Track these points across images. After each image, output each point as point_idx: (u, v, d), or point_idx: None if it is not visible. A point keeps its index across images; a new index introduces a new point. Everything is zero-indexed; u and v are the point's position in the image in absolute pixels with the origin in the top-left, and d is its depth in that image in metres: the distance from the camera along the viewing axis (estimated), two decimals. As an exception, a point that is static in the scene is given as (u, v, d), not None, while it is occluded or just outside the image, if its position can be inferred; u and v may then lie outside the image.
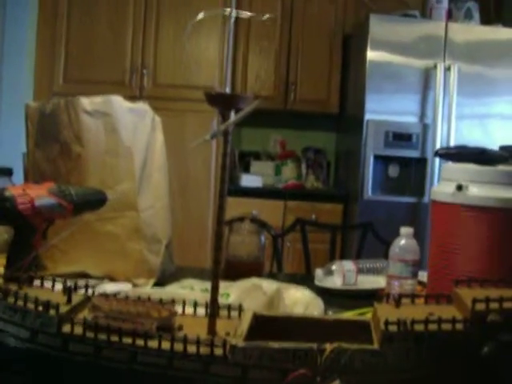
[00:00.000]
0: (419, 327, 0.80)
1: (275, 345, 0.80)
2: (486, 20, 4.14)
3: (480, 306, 0.81)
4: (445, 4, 3.97)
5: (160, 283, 1.65)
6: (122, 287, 1.53)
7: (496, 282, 0.94)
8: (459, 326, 0.81)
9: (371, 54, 3.80)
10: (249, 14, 0.88)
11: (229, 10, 0.84)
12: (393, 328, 0.80)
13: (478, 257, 1.40)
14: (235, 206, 3.63)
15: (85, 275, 1.61)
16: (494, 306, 0.82)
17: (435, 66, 3.80)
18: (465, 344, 0.80)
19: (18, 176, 2.04)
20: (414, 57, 3.82)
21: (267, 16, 0.88)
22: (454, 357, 0.80)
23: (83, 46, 4.09)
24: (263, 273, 1.86)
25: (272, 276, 1.89)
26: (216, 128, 0.79)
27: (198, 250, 3.90)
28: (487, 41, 3.86)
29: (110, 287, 1.50)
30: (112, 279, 1.62)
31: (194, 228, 3.99)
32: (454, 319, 0.80)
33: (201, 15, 0.88)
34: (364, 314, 1.38)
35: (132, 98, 1.75)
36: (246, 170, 4.54)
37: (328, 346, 0.78)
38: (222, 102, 0.80)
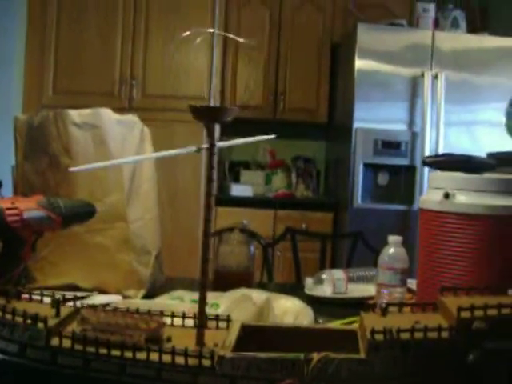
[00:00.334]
0: (405, 336, 0.81)
1: (262, 355, 0.80)
2: (473, 29, 4.18)
3: (465, 314, 0.82)
4: (431, 13, 4.01)
5: (150, 294, 1.65)
6: (112, 299, 1.53)
7: (481, 289, 0.95)
8: (445, 334, 0.81)
9: (359, 63, 3.82)
10: (234, 37, 0.89)
11: (214, 30, 0.84)
12: (379, 337, 0.81)
13: (465, 264, 1.41)
14: (225, 216, 3.65)
15: (75, 287, 1.60)
16: (479, 313, 0.82)
17: (423, 75, 3.83)
18: (451, 352, 0.81)
19: (8, 189, 2.04)
20: (402, 65, 3.85)
21: (251, 41, 0.89)
22: (440, 364, 0.81)
23: (72, 57, 4.09)
24: (253, 283, 1.86)
25: (262, 286, 1.90)
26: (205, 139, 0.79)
27: (187, 260, 3.89)
28: (474, 49, 3.90)
29: (99, 299, 1.50)
30: (102, 291, 1.62)
31: (183, 238, 3.98)
32: (440, 327, 0.81)
33: (187, 34, 0.89)
34: (354, 323, 1.38)
35: (121, 109, 1.76)
36: (236, 179, 4.55)
37: (315, 356, 0.79)
38: (207, 115, 0.81)
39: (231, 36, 0.83)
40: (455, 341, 0.81)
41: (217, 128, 0.81)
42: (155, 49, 4.09)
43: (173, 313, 0.97)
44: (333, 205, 4.18)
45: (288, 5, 4.34)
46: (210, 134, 0.80)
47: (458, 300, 0.88)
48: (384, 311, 0.92)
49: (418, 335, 0.81)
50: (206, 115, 0.81)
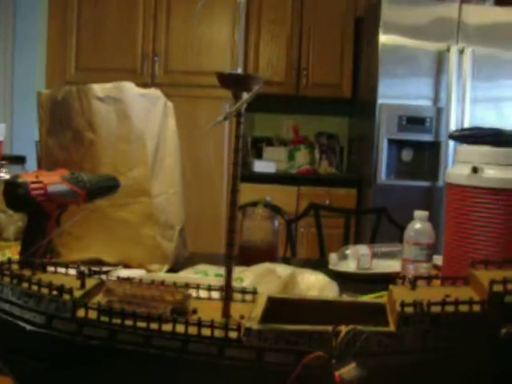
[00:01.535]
0: (436, 309, 0.79)
1: (290, 327, 0.79)
2: (501, 1, 4.08)
3: (497, 287, 0.80)
4: (458, -15, 3.92)
5: (174, 269, 1.65)
6: (136, 273, 1.53)
7: (513, 262, 0.93)
8: (476, 308, 0.80)
9: (383, 38, 3.77)
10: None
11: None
12: (409, 310, 0.79)
13: (493, 238, 1.39)
14: (248, 193, 3.62)
15: (99, 262, 1.61)
16: (511, 286, 0.80)
17: (448, 49, 3.76)
18: (482, 325, 0.79)
19: (32, 164, 2.04)
20: (427, 40, 3.78)
21: None
22: (471, 338, 0.79)
23: (94, 34, 4.08)
24: (277, 258, 1.86)
25: (286, 261, 1.89)
26: (228, 110, 0.78)
27: (211, 235, 3.91)
28: (501, 22, 3.81)
29: (124, 273, 1.50)
30: (126, 266, 1.63)
31: (207, 214, 3.99)
32: (472, 300, 0.79)
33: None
34: (380, 298, 1.37)
35: (144, 85, 1.74)
36: (259, 156, 4.53)
37: (343, 329, 0.78)
38: (235, 83, 0.79)
39: None
40: (487, 314, 0.79)
41: (244, 96, 0.79)
42: (177, 25, 4.06)
43: (198, 285, 0.97)
44: (356, 181, 4.15)
45: (311, -21, 4.28)
46: (238, 102, 0.78)
47: (490, 273, 0.86)
48: (413, 284, 0.90)
49: (449, 308, 0.79)
50: (233, 83, 0.79)
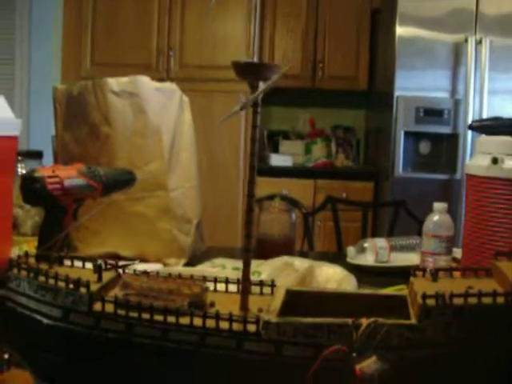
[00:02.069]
0: (458, 301, 0.78)
1: (309, 320, 0.78)
2: (519, -10, 4.03)
3: (522, 279, 0.79)
4: (476, -25, 3.88)
5: (191, 263, 1.64)
6: (153, 267, 1.53)
7: (536, 254, 0.91)
8: (500, 300, 0.78)
9: (400, 30, 3.74)
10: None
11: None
12: (431, 302, 0.78)
13: (514, 230, 1.37)
14: (265, 186, 3.62)
15: (116, 256, 1.61)
16: (536, 278, 0.79)
17: (466, 40, 3.72)
18: (506, 318, 0.77)
19: (48, 159, 2.05)
20: (444, 31, 3.74)
21: None
22: (494, 331, 0.78)
23: (109, 29, 4.09)
24: (294, 251, 1.84)
25: (303, 254, 1.88)
26: (244, 100, 0.76)
27: (228, 229, 3.90)
28: (520, 12, 3.76)
29: (141, 267, 1.50)
30: (143, 260, 1.62)
31: (223, 207, 3.99)
32: (495, 292, 0.78)
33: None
34: (399, 291, 1.35)
35: (159, 79, 1.73)
36: (275, 149, 4.52)
37: (363, 321, 0.76)
38: (251, 72, 0.78)
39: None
40: (511, 306, 0.77)
41: (261, 86, 0.78)
42: (192, 19, 4.05)
43: (216, 278, 0.96)
44: (373, 174, 4.13)
45: (326, -29, 4.25)
46: (254, 92, 0.77)
47: (513, 264, 0.85)
48: (435, 276, 0.88)
49: (472, 300, 0.77)
50: (249, 72, 0.78)
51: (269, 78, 0.77)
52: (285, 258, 1.45)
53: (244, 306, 0.85)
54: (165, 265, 1.61)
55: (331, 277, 1.37)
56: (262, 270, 1.37)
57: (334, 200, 2.62)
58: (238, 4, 3.94)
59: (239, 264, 1.43)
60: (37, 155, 1.95)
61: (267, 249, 1.70)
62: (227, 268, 1.45)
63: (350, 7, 4.27)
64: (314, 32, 4.29)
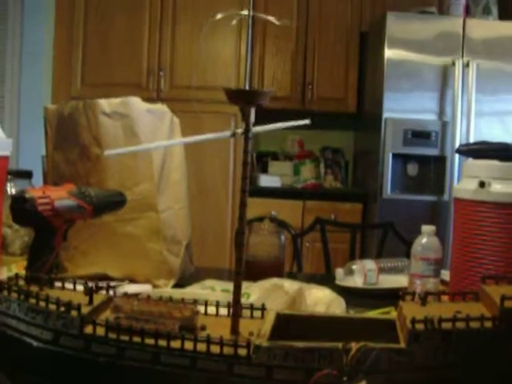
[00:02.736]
0: (447, 325, 0.78)
1: (300, 344, 0.79)
2: (505, 15, 4.09)
3: (509, 303, 0.80)
4: (463, 0, 3.93)
5: (180, 284, 1.64)
6: (143, 288, 1.53)
7: (523, 278, 0.93)
8: (488, 324, 0.79)
9: (389, 52, 3.78)
10: (266, 16, 0.86)
11: (246, 11, 0.82)
12: (420, 326, 0.78)
13: (502, 254, 1.38)
14: (254, 207, 3.61)
15: (105, 277, 1.60)
16: (523, 303, 0.80)
17: (453, 63, 3.77)
18: (494, 342, 0.78)
19: (38, 179, 2.05)
20: (432, 54, 3.79)
21: (283, 21, 0.86)
22: (482, 355, 0.78)
23: (100, 49, 4.10)
24: (283, 273, 1.85)
25: (292, 276, 1.88)
26: (234, 124, 0.77)
27: (216, 250, 3.90)
28: (505, 36, 3.82)
29: (130, 288, 1.50)
30: (132, 280, 1.62)
31: (212, 229, 3.98)
32: (483, 317, 0.79)
33: (218, 16, 0.87)
34: (387, 314, 1.36)
35: (149, 100, 1.74)
36: (264, 170, 4.53)
37: (354, 345, 0.77)
38: (243, 98, 0.79)
39: (267, 17, 0.80)
40: (499, 331, 0.78)
41: (252, 112, 0.79)
42: (182, 40, 4.08)
43: (206, 301, 0.96)
44: (362, 196, 4.14)
45: (316, -7, 4.30)
46: (246, 118, 0.78)
47: (501, 289, 0.86)
48: (423, 300, 0.89)
49: (460, 325, 0.78)
50: (241, 98, 0.79)
51: (260, 104, 0.78)
52: (274, 280, 1.46)
53: (235, 329, 0.86)
54: (154, 286, 1.61)
55: (320, 299, 1.38)
56: (252, 291, 1.37)
57: (322, 221, 2.63)
58: (228, 25, 3.97)
59: (228, 286, 1.44)
60: (26, 175, 1.95)
61: (257, 271, 1.70)
62: (216, 290, 1.45)
63: (339, 30, 4.31)
64: (303, 54, 4.32)
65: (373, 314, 1.40)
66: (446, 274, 1.68)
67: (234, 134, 0.77)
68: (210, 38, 4.02)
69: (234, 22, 0.75)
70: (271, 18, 0.80)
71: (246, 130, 0.79)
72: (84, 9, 4.10)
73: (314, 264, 3.67)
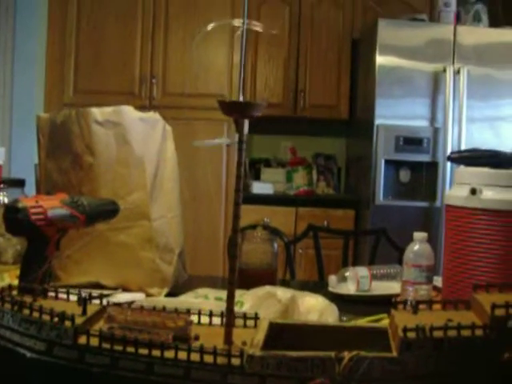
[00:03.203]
0: (438, 334, 0.79)
1: (292, 354, 0.79)
2: (495, 22, 4.13)
3: (500, 312, 0.80)
4: (453, 7, 3.96)
5: (173, 292, 1.64)
6: (136, 297, 1.53)
7: (514, 286, 0.93)
8: (479, 332, 0.79)
9: (380, 59, 3.80)
10: (258, 26, 0.87)
11: (239, 20, 0.83)
12: (411, 335, 0.79)
13: (493, 261, 1.39)
14: (246, 214, 3.62)
15: (98, 285, 1.60)
16: (513, 311, 0.80)
17: (444, 70, 3.79)
18: (485, 350, 0.79)
19: (30, 187, 2.04)
20: (423, 61, 3.81)
21: (271, 31, 0.87)
22: (473, 363, 0.79)
23: (92, 56, 4.10)
24: (276, 280, 1.85)
25: (285, 283, 1.88)
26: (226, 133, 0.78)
27: (209, 259, 3.90)
28: (496, 43, 3.85)
29: (123, 297, 1.50)
30: (125, 289, 1.62)
31: (205, 237, 3.98)
32: (474, 325, 0.79)
33: (211, 26, 0.88)
34: (379, 320, 1.37)
35: (142, 107, 1.75)
36: (257, 177, 4.53)
37: (346, 354, 0.77)
38: (237, 110, 0.79)
39: (255, 25, 0.81)
40: (489, 339, 0.79)
41: (246, 123, 0.80)
42: (175, 47, 4.08)
43: (200, 311, 0.97)
44: (354, 202, 4.15)
45: (307, 1, 4.31)
46: (240, 130, 0.78)
47: (492, 297, 0.86)
48: (415, 309, 0.90)
49: (452, 333, 0.79)
50: (235, 110, 0.80)
51: (254, 116, 0.79)
52: (267, 288, 1.46)
53: (228, 339, 0.86)
54: (147, 294, 1.61)
55: (313, 307, 1.38)
56: (245, 300, 1.37)
57: (315, 228, 2.64)
58: (221, 32, 3.98)
59: (221, 294, 1.44)
60: (19, 183, 1.95)
61: (250, 278, 1.71)
62: (210, 298, 1.45)
63: (331, 37, 4.33)
64: (295, 61, 4.34)
65: (365, 320, 1.41)
66: (438, 280, 1.69)
67: (229, 143, 0.77)
68: (203, 45, 4.02)
69: (236, 35, 0.76)
70: (259, 28, 0.81)
71: (240, 142, 0.79)
72: (76, 16, 4.10)
73: (307, 271, 3.68)
